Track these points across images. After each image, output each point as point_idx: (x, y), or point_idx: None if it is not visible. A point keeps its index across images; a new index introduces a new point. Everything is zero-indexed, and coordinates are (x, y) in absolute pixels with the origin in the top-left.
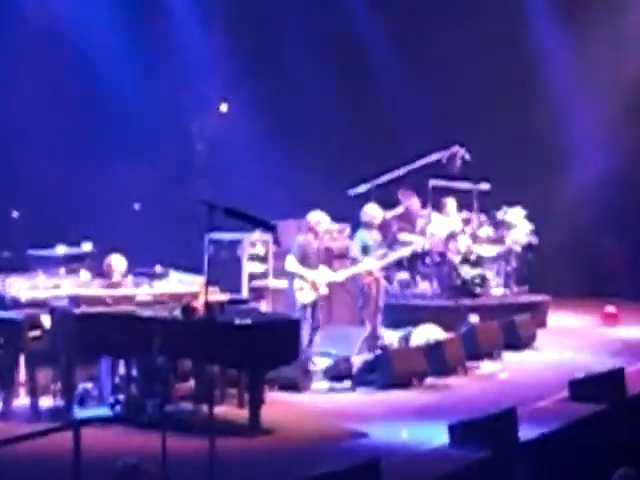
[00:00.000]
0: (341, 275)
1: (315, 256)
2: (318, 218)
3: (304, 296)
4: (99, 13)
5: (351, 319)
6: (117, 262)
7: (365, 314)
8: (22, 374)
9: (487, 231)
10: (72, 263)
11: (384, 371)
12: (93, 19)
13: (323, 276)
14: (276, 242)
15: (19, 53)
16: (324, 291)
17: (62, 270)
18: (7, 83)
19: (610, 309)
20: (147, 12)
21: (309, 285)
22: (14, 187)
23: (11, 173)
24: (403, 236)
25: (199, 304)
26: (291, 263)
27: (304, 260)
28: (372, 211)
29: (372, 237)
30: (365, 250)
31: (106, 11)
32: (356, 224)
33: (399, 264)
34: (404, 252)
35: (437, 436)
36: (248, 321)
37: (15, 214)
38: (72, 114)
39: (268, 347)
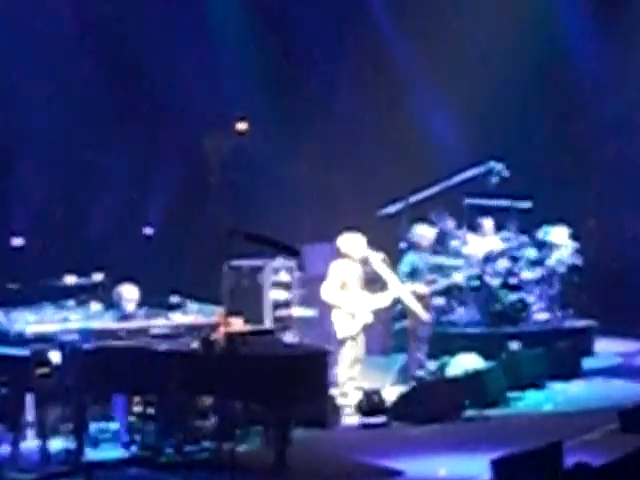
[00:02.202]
0: (387, 300)
1: (356, 282)
2: (352, 241)
3: (344, 328)
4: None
5: (383, 349)
6: (129, 292)
7: (406, 343)
8: (30, 414)
9: (528, 252)
10: (82, 294)
11: (420, 404)
12: None
13: (366, 304)
14: (301, 268)
15: None
16: (369, 320)
17: (71, 302)
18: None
19: None
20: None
21: (350, 315)
22: (18, 213)
23: (14, 197)
24: (438, 259)
25: (219, 336)
26: (329, 292)
27: (344, 288)
28: (423, 232)
29: (422, 260)
30: (414, 273)
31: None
32: (385, 245)
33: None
34: (450, 281)
35: (478, 473)
36: (273, 353)
37: (18, 242)
38: (81, 132)
39: (294, 381)
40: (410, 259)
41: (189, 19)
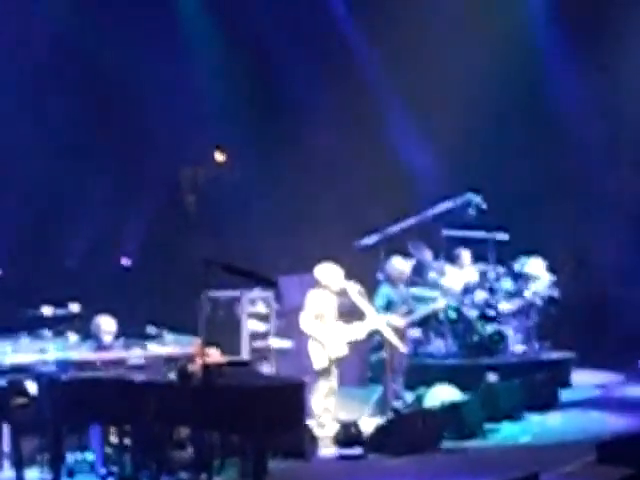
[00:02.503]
0: (362, 332)
1: (332, 314)
2: (329, 272)
3: (321, 359)
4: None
5: (360, 380)
6: (106, 324)
7: (382, 374)
8: (6, 444)
9: (505, 284)
10: (59, 325)
11: (397, 436)
12: None
13: (341, 336)
14: (278, 299)
15: None
16: (344, 352)
17: (48, 332)
18: None
19: None
20: None
21: (326, 347)
22: None
23: None
24: (416, 290)
25: (196, 367)
26: (306, 322)
27: (320, 319)
28: (399, 265)
29: (397, 292)
30: (389, 306)
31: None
32: (362, 276)
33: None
34: (431, 308)
35: None
36: (250, 385)
37: None
38: (58, 162)
39: (272, 412)
40: (385, 291)
41: (166, 48)
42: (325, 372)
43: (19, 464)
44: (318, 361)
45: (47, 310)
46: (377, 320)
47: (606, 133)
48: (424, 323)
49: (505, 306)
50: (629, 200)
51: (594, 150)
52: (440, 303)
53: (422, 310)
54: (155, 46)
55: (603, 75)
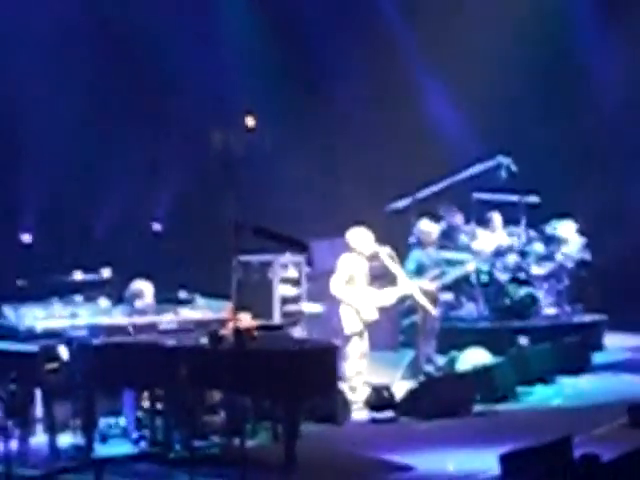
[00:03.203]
0: (392, 298)
1: (363, 278)
2: (360, 236)
3: (351, 323)
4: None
5: (391, 344)
6: (146, 288)
7: (414, 338)
8: (39, 410)
9: (536, 247)
10: (90, 290)
11: (429, 399)
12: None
13: (373, 300)
14: (309, 264)
15: None
16: (375, 317)
17: (79, 298)
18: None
19: None
20: None
21: (358, 311)
22: (24, 209)
23: (20, 194)
24: (448, 254)
25: (228, 331)
26: (337, 286)
27: (351, 282)
28: (427, 227)
29: (428, 256)
30: (420, 270)
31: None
32: (393, 240)
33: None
34: (462, 271)
35: (487, 467)
36: (282, 348)
37: (27, 238)
38: (85, 128)
39: (304, 376)
40: (415, 256)
41: (195, 16)
42: (356, 336)
43: (52, 429)
44: (349, 325)
45: (78, 275)
46: (408, 284)
47: (631, 98)
48: (455, 286)
49: (536, 269)
50: None
51: (625, 109)
52: (470, 266)
53: (453, 273)
54: (188, 11)
55: (635, 43)
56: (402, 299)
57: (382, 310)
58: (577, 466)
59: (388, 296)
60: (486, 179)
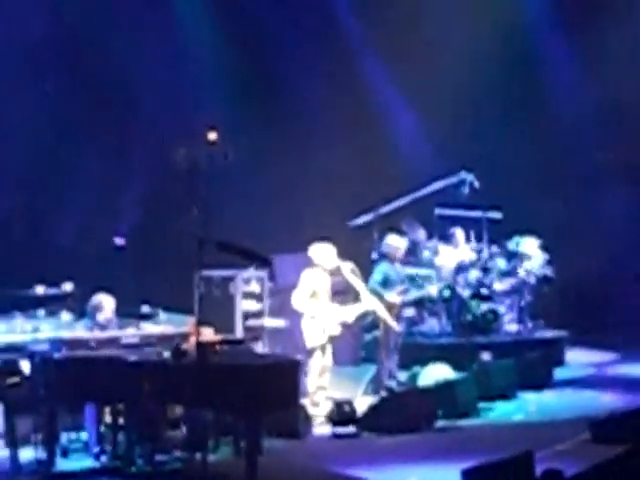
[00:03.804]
0: (354, 313)
1: (326, 293)
2: (323, 251)
3: (314, 337)
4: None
5: (353, 359)
6: (106, 302)
7: (376, 353)
8: (0, 424)
9: (499, 263)
10: (52, 304)
11: (391, 415)
12: None
13: (334, 315)
14: (272, 278)
15: None
16: (337, 331)
17: (41, 312)
18: None
19: None
20: None
21: (319, 325)
22: None
23: None
24: (411, 270)
25: (190, 346)
26: (300, 301)
27: (314, 297)
28: (395, 242)
29: (394, 270)
30: (386, 283)
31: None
32: (355, 256)
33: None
34: (423, 293)
35: None
36: (244, 363)
37: None
38: (48, 142)
39: (266, 391)
40: (382, 268)
41: (158, 28)
42: (318, 350)
43: (13, 443)
44: (311, 339)
45: (40, 289)
46: (370, 300)
47: (598, 109)
48: (418, 303)
49: (499, 285)
50: (619, 179)
51: (585, 126)
52: (432, 289)
53: (414, 293)
54: (151, 25)
55: (598, 53)
56: (364, 315)
57: (344, 325)
58: None
59: (350, 312)
60: (449, 195)
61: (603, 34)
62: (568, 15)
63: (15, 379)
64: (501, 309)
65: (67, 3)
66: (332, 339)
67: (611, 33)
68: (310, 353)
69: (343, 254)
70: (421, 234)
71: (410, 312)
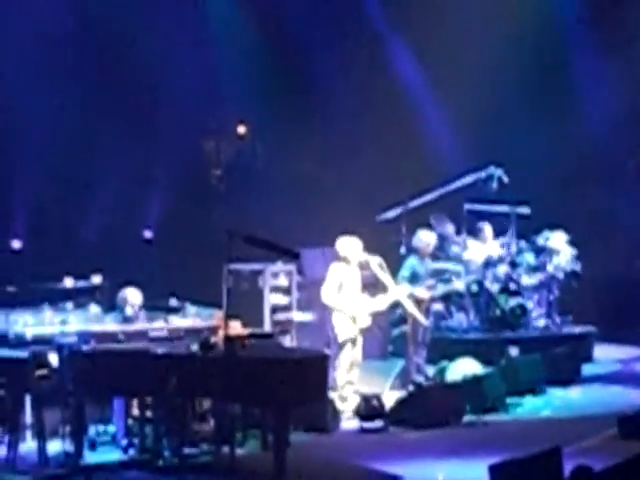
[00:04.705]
0: (384, 303)
1: (354, 286)
2: (350, 245)
3: (345, 331)
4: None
5: (381, 354)
6: (133, 296)
7: (404, 348)
8: (28, 416)
9: (527, 258)
10: (81, 297)
11: (418, 409)
12: None
13: (364, 307)
14: (300, 272)
15: None
16: (367, 323)
17: (70, 304)
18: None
19: None
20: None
21: (349, 319)
22: (14, 215)
23: (10, 199)
24: (439, 264)
25: (218, 339)
26: (329, 294)
27: (341, 290)
28: (425, 237)
29: (423, 265)
30: (414, 278)
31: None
32: (382, 250)
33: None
34: (450, 288)
35: (477, 478)
36: (272, 356)
37: (17, 244)
38: (76, 137)
39: (294, 385)
40: (411, 263)
41: (188, 21)
42: (348, 344)
43: (41, 435)
44: (342, 333)
45: (69, 282)
46: (398, 292)
47: (627, 107)
48: (446, 298)
49: (527, 280)
50: None
51: (615, 123)
52: (459, 284)
53: (441, 289)
54: (178, 18)
55: (626, 51)
56: (392, 307)
57: (374, 318)
58: (570, 477)
59: (380, 302)
60: (477, 190)
61: (634, 36)
62: (598, 15)
63: (43, 371)
64: (529, 304)
65: None
66: (363, 331)
67: None
68: (341, 346)
69: (371, 248)
70: (449, 229)
71: (438, 307)
